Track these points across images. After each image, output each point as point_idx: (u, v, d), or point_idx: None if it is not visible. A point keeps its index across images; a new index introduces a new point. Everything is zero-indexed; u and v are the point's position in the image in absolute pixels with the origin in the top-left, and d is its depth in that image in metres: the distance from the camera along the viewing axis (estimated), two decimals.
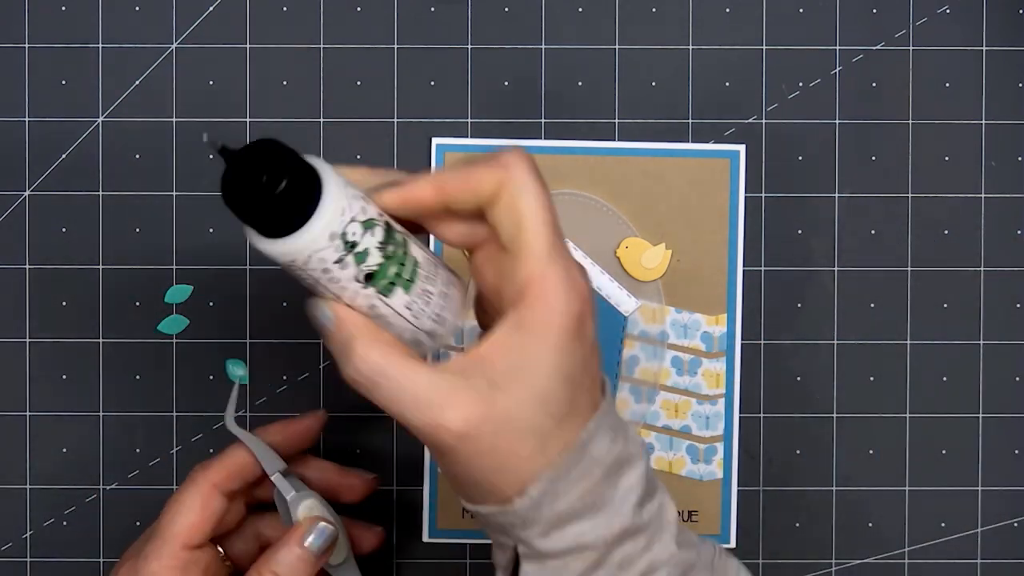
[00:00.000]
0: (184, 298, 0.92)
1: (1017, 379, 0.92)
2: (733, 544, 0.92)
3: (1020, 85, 0.92)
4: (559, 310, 0.70)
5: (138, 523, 0.91)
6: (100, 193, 0.92)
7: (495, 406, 0.70)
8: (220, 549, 0.84)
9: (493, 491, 0.72)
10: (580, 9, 0.92)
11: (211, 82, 0.92)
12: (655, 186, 0.92)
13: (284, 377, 0.92)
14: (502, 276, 0.72)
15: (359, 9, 0.92)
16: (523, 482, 0.71)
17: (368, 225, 0.70)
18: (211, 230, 0.92)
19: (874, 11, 0.92)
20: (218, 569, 0.84)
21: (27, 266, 0.92)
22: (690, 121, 0.92)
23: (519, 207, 0.71)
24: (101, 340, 0.92)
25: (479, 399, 0.70)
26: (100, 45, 0.92)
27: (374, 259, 0.70)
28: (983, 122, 0.92)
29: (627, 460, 0.73)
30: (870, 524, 0.91)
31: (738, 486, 0.92)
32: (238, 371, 0.89)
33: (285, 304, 0.92)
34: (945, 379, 0.92)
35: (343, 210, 0.68)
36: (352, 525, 0.87)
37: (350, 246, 0.69)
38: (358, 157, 0.92)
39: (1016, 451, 0.92)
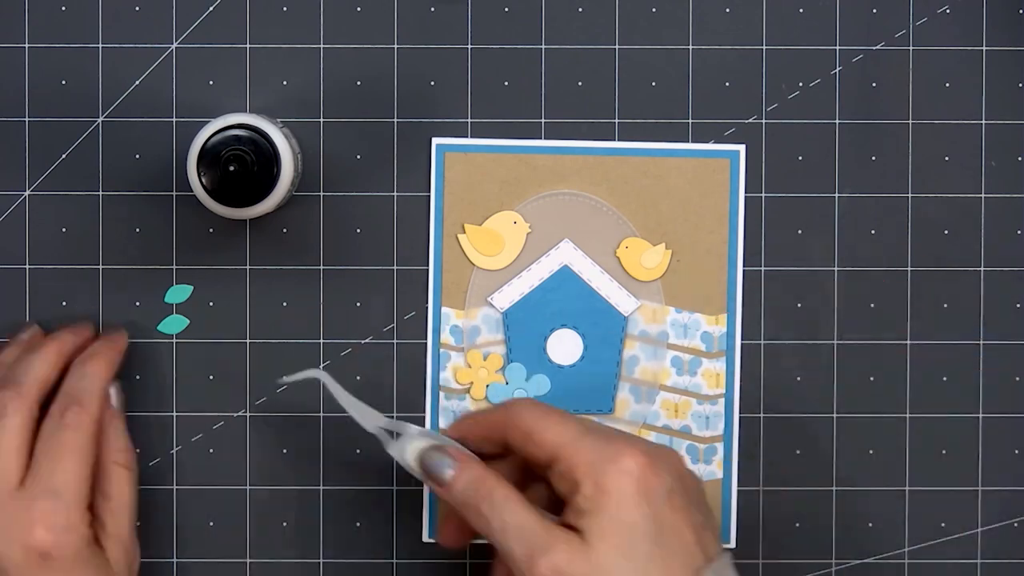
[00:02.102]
0: (184, 298, 0.92)
1: (1017, 379, 0.92)
2: (733, 544, 0.92)
3: (1020, 85, 0.92)
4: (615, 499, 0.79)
5: (138, 523, 0.91)
6: (100, 193, 0.92)
7: (587, 557, 0.78)
8: None
9: None
10: (580, 9, 0.92)
11: (211, 82, 0.92)
12: (655, 186, 0.92)
13: (284, 377, 0.92)
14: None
15: (359, 9, 0.92)
16: None
17: None
18: (211, 230, 0.92)
19: (874, 11, 0.92)
20: None
21: (27, 266, 0.92)
22: (690, 121, 0.92)
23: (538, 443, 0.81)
24: None
25: (572, 549, 0.78)
26: (100, 45, 0.92)
27: None
28: (983, 122, 0.92)
29: None
30: (870, 524, 0.91)
31: (738, 486, 0.92)
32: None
33: (285, 304, 0.92)
34: (945, 379, 0.92)
35: None
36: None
37: None
38: (358, 157, 0.92)
39: (1016, 451, 0.92)
